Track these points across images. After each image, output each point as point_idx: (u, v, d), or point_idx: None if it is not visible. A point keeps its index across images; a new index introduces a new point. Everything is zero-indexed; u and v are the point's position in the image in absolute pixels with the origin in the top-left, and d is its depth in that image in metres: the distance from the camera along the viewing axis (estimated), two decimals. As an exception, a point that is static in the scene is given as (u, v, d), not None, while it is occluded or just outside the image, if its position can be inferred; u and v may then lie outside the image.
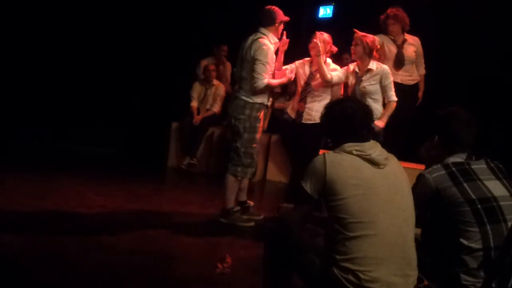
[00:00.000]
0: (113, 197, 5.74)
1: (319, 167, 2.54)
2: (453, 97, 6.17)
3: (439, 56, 6.45)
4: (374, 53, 5.18)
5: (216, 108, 8.03)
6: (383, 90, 5.19)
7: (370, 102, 5.06)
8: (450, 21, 6.76)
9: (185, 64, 8.33)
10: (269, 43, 4.96)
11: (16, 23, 8.57)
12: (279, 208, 3.16)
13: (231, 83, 7.91)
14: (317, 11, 8.01)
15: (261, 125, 5.08)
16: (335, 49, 5.38)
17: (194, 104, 8.03)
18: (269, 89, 5.04)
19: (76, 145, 8.28)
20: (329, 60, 5.43)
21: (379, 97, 5.20)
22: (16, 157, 7.42)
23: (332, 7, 7.91)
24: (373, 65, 5.17)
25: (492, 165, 2.81)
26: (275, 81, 5.08)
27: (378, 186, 2.50)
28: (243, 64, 5.01)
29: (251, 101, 4.95)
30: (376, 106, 5.11)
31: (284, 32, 5.13)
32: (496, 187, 2.69)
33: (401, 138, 5.96)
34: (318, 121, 5.30)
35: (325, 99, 5.29)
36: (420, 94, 6.28)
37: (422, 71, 6.25)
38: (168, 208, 5.63)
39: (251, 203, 5.45)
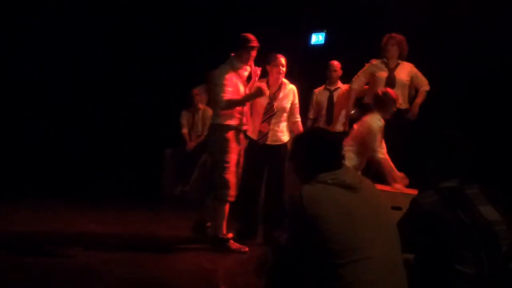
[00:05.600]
0: (107, 224, 5.71)
1: (297, 206, 2.51)
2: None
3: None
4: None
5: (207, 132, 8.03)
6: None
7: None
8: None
9: (179, 91, 8.36)
10: (228, 67, 5.12)
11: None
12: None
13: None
14: (309, 38, 8.15)
15: (232, 146, 5.05)
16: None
17: (185, 130, 8.11)
18: (234, 106, 5.10)
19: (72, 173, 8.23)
20: (285, 80, 5.54)
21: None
22: (13, 183, 7.37)
23: (324, 34, 8.06)
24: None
25: (485, 189, 2.81)
26: (238, 98, 5.10)
27: (359, 210, 2.49)
28: None
29: (219, 123, 5.08)
30: None
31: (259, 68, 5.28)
32: (490, 212, 2.68)
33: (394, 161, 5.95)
34: (284, 141, 5.44)
35: (285, 120, 5.48)
36: (414, 108, 6.07)
37: (425, 87, 6.12)
38: (161, 235, 5.61)
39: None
